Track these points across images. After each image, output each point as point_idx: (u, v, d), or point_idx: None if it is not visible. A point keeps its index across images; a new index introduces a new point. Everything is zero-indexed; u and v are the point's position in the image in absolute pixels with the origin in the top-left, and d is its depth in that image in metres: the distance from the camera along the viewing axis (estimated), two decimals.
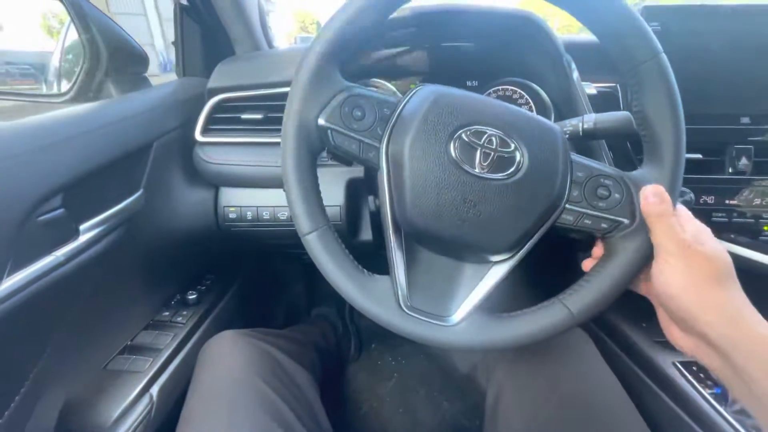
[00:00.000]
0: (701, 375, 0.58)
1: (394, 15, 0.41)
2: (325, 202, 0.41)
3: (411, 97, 0.39)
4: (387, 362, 1.14)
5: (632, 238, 0.37)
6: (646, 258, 0.37)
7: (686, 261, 0.33)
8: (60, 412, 0.48)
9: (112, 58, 0.68)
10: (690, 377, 0.58)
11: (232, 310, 0.78)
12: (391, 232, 0.40)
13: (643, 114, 0.37)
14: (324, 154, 0.42)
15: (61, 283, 0.43)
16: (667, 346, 0.64)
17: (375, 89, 0.44)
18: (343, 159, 0.42)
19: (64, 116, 0.49)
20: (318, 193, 0.40)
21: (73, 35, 0.70)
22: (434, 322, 0.39)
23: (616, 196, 0.38)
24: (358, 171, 0.68)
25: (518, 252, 0.39)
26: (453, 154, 0.37)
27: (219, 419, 0.46)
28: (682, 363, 0.60)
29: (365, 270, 0.40)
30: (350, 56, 0.40)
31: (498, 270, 0.40)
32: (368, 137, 0.39)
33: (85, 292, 0.49)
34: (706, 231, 0.36)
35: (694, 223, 0.37)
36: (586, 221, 0.38)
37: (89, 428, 0.49)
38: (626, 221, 0.38)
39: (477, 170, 0.37)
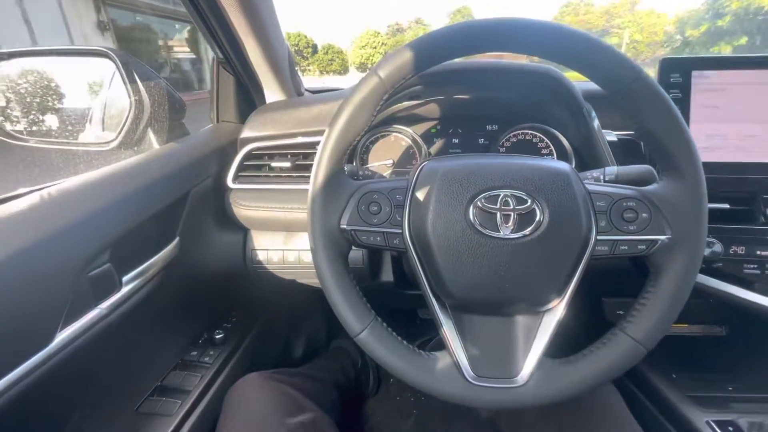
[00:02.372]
0: None
1: None
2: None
3: (417, 177, 0.41)
4: (406, 398, 1.13)
5: (675, 252, 0.37)
6: (696, 267, 0.37)
7: None
8: None
9: (154, 109, 0.74)
10: None
11: (257, 346, 0.80)
12: (436, 307, 0.41)
13: (644, 130, 0.37)
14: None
15: (105, 332, 0.46)
16: (701, 401, 0.61)
17: (382, 177, 0.49)
18: (372, 249, 0.43)
19: (112, 176, 0.53)
20: (357, 290, 0.42)
21: (116, 85, 0.76)
22: (503, 386, 0.39)
23: (644, 215, 0.38)
24: None
25: (565, 296, 0.39)
26: (474, 224, 0.38)
27: None
28: (716, 422, 0.57)
29: (422, 352, 0.41)
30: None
31: (551, 317, 0.40)
32: (389, 227, 0.41)
33: (124, 338, 0.52)
34: None
35: None
36: (623, 247, 0.38)
37: None
38: (663, 237, 0.37)
39: (501, 233, 0.37)
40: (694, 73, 0.61)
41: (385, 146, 0.79)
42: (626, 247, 0.38)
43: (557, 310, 0.40)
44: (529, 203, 0.38)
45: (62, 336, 0.41)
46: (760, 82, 0.60)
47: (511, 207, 0.38)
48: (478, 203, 0.38)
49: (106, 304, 0.46)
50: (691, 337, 0.78)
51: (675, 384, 0.65)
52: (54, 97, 0.76)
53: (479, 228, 0.38)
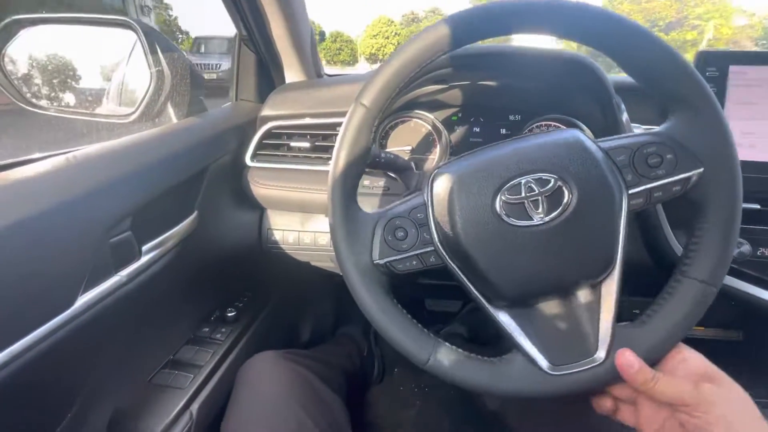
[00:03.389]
0: None
1: None
2: None
3: (432, 189, 0.39)
4: (409, 389, 1.13)
5: (713, 182, 0.36)
6: (738, 188, 0.36)
7: (727, 399, 0.33)
8: (108, 424, 0.50)
9: (174, 83, 0.73)
10: None
11: (267, 327, 0.80)
12: (491, 309, 0.39)
13: (639, 67, 0.37)
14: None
15: (122, 301, 0.46)
16: None
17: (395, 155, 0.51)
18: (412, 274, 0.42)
19: (135, 145, 0.52)
20: (409, 318, 0.40)
21: (137, 57, 0.75)
22: (587, 367, 0.37)
23: (669, 156, 0.36)
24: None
25: (617, 259, 0.38)
26: (505, 219, 0.36)
27: None
28: None
29: (493, 359, 0.39)
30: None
31: (610, 285, 0.38)
32: (420, 247, 0.39)
33: (140, 309, 0.52)
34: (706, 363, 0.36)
35: (696, 361, 0.36)
36: (657, 194, 0.37)
37: None
38: (695, 172, 0.36)
39: (536, 220, 0.36)
40: (732, 68, 0.59)
41: (404, 131, 0.77)
42: (660, 193, 0.37)
43: (614, 275, 0.38)
44: (552, 182, 0.36)
45: (83, 300, 0.41)
46: None
47: (537, 191, 0.36)
48: (503, 197, 0.37)
49: (125, 272, 0.46)
50: (706, 340, 0.76)
51: None
52: (75, 65, 0.75)
53: (511, 222, 0.36)
